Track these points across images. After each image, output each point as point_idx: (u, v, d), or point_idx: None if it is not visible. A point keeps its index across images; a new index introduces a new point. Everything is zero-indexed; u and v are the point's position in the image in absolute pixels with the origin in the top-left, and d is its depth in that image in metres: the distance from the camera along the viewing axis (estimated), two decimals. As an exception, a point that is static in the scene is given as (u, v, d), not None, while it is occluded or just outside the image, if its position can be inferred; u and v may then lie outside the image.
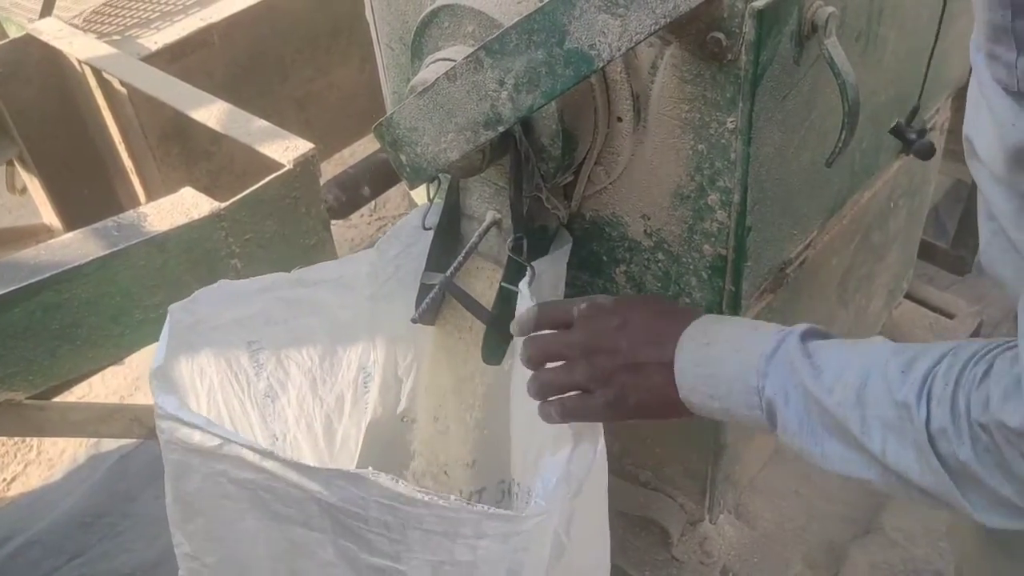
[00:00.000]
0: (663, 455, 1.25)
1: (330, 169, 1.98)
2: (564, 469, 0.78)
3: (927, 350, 0.65)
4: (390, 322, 1.13)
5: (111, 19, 1.78)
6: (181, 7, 1.78)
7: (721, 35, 0.77)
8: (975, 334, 1.72)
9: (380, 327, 1.15)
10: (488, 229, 1.04)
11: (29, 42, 1.64)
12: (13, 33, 1.72)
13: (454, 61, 0.81)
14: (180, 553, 0.94)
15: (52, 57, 1.65)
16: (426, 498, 0.75)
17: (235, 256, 1.21)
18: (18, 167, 1.80)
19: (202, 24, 1.71)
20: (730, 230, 0.90)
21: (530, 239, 0.97)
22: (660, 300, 0.97)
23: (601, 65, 0.73)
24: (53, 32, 1.63)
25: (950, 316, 1.74)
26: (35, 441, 2.12)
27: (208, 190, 1.23)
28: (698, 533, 1.38)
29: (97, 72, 1.57)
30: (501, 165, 0.94)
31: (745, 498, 1.62)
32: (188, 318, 1.00)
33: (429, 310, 1.05)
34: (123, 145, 1.68)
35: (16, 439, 2.12)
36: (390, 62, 1.14)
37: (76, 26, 1.69)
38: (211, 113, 1.35)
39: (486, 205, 1.06)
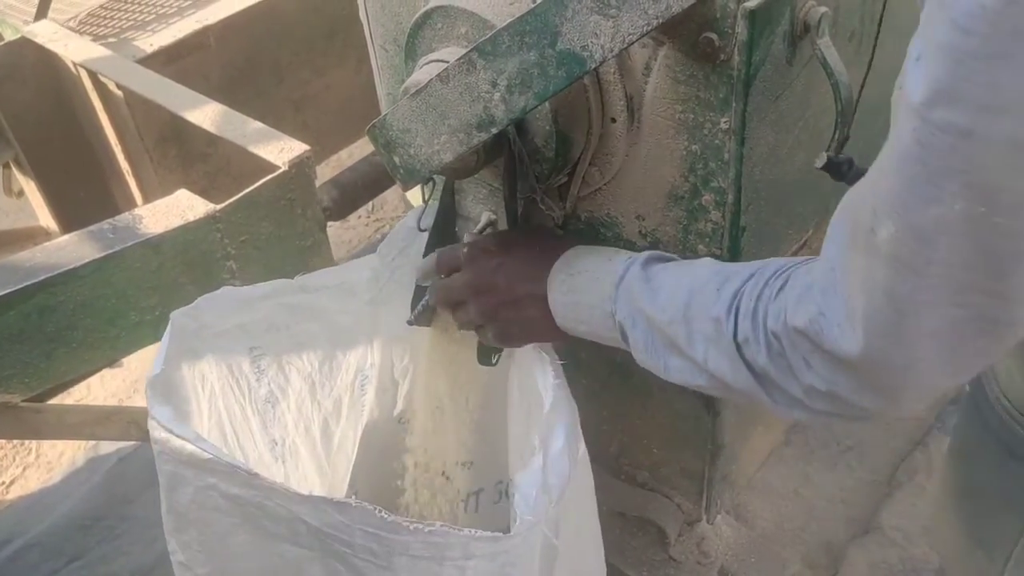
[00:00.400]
0: (660, 455, 1.25)
1: (328, 171, 1.98)
2: (540, 478, 0.79)
3: (739, 270, 0.73)
4: (387, 324, 1.13)
5: (107, 21, 1.78)
6: (176, 9, 1.78)
7: (714, 36, 0.77)
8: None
9: (378, 330, 1.15)
10: (484, 230, 1.04)
11: (25, 45, 1.64)
12: (8, 35, 1.72)
13: (447, 63, 0.81)
14: (174, 561, 0.95)
15: (48, 60, 1.64)
16: (411, 527, 0.75)
17: (231, 258, 1.21)
18: (14, 170, 1.80)
19: (198, 26, 1.70)
20: (724, 230, 0.90)
21: (525, 240, 0.98)
22: (535, 234, 1.01)
23: (594, 66, 0.73)
24: (49, 35, 1.63)
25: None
26: (33, 444, 2.12)
27: (205, 192, 1.23)
28: (695, 533, 1.38)
29: (93, 75, 1.57)
30: (496, 166, 0.94)
31: (743, 498, 1.62)
32: (190, 324, 1.00)
33: (425, 312, 1.05)
34: (119, 147, 1.68)
35: (15, 442, 2.12)
36: (384, 63, 1.14)
37: (72, 28, 1.69)
38: (207, 115, 1.35)
39: (481, 206, 1.06)
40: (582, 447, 0.88)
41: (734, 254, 0.91)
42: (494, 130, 0.80)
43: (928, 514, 1.50)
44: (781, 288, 0.67)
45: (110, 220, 1.15)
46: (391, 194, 2.28)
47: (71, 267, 1.08)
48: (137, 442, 1.66)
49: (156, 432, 0.86)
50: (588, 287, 0.84)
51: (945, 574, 1.09)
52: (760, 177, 0.89)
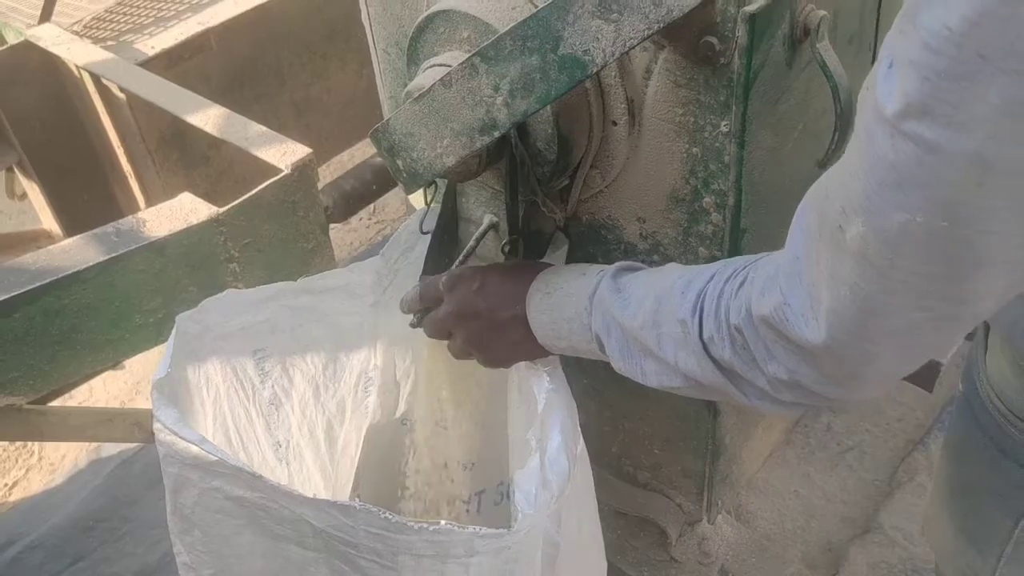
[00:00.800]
0: (661, 456, 1.25)
1: (329, 173, 1.98)
2: (540, 476, 0.80)
3: (701, 272, 0.75)
4: (390, 326, 1.14)
5: (109, 25, 1.79)
6: (177, 12, 1.78)
7: (714, 39, 0.77)
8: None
9: (381, 332, 1.15)
10: (485, 233, 1.05)
11: (28, 48, 1.65)
12: (12, 39, 1.73)
13: (449, 67, 0.82)
14: (179, 562, 0.95)
15: (51, 63, 1.65)
16: (415, 526, 0.76)
17: (233, 260, 1.22)
18: (18, 173, 1.80)
19: (199, 29, 1.71)
20: (725, 232, 0.91)
21: (527, 242, 0.98)
22: (511, 262, 1.02)
23: (595, 70, 0.74)
24: (52, 38, 1.63)
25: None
26: (36, 446, 2.13)
27: (208, 195, 1.24)
28: (696, 533, 1.38)
29: (96, 78, 1.58)
30: (498, 169, 0.94)
31: (743, 498, 1.63)
32: (195, 327, 1.00)
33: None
34: (122, 150, 1.68)
35: (18, 444, 2.12)
36: (386, 67, 1.14)
37: (75, 32, 1.70)
38: (209, 118, 1.36)
39: (483, 209, 1.07)
40: (580, 444, 0.88)
41: (735, 256, 0.92)
42: (496, 134, 0.81)
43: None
44: (741, 285, 0.69)
45: (114, 223, 1.16)
46: (393, 196, 2.28)
47: (75, 270, 1.09)
48: (139, 444, 1.67)
49: (161, 434, 0.86)
50: (564, 303, 0.86)
51: (941, 572, 1.09)
52: (760, 179, 0.89)
